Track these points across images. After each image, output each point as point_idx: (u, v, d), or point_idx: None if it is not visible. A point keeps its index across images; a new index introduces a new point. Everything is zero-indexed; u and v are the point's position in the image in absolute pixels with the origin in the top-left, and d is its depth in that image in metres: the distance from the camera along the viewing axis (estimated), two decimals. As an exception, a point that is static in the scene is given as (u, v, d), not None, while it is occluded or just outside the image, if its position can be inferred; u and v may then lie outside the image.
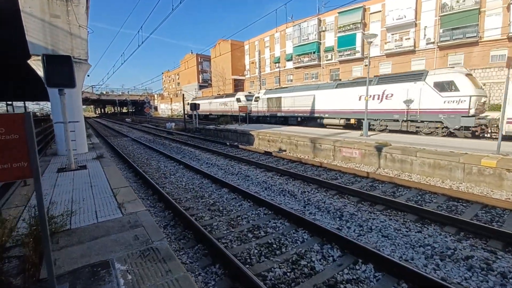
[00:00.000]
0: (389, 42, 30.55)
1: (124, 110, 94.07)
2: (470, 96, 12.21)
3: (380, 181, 7.76)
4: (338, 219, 5.29)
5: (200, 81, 64.15)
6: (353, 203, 6.14)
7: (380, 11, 30.96)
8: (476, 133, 12.50)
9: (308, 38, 36.58)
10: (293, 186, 7.35)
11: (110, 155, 12.93)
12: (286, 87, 26.18)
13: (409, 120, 14.69)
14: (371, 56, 32.20)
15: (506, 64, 7.01)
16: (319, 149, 11.21)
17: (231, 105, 31.87)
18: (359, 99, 16.83)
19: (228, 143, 15.64)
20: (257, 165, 10.02)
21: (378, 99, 16.06)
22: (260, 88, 38.33)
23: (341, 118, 18.35)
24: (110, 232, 3.29)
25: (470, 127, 12.35)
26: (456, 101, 12.74)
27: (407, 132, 14.75)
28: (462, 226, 4.78)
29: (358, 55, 32.61)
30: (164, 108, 76.38)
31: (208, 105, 36.86)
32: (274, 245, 4.39)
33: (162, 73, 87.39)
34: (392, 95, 15.40)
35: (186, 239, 4.69)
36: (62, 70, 6.24)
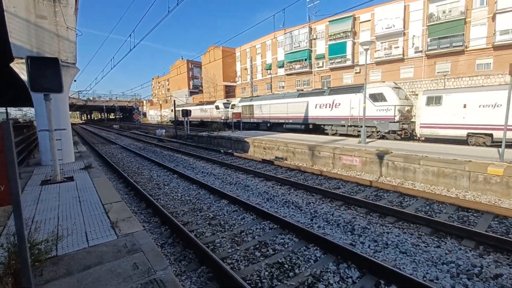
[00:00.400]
0: (379, 50, 31.15)
1: (112, 116, 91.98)
2: (395, 106, 14.88)
3: (384, 190, 7.53)
4: (349, 233, 4.97)
5: (191, 87, 63.54)
6: (361, 214, 5.84)
7: (370, 20, 31.62)
8: (402, 136, 15.22)
9: (299, 46, 36.90)
10: (296, 197, 7.00)
11: (98, 163, 12.24)
12: (258, 96, 29.17)
13: (352, 125, 17.13)
14: (361, 64, 32.75)
15: (509, 72, 7.00)
16: (317, 156, 10.95)
17: (210, 111, 34.62)
18: (315, 107, 19.57)
19: (222, 151, 15.20)
20: (256, 174, 9.64)
21: (329, 107, 18.68)
22: (252, 95, 38.17)
23: (301, 124, 20.59)
24: (104, 260, 2.82)
25: (396, 131, 14.87)
26: (385, 110, 15.40)
27: (351, 135, 16.99)
28: (480, 240, 4.54)
29: (349, 62, 33.06)
30: (153, 115, 75.04)
31: (194, 112, 37.63)
32: (286, 265, 4.00)
33: (152, 79, 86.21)
34: (340, 104, 17.92)
35: (187, 260, 4.23)
36: (48, 73, 5.73)
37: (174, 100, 27.66)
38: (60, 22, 8.46)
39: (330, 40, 34.11)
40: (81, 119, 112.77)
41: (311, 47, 36.40)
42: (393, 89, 15.66)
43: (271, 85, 42.49)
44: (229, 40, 46.36)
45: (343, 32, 32.95)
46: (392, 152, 9.02)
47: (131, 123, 57.61)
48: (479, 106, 12.46)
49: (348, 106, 17.29)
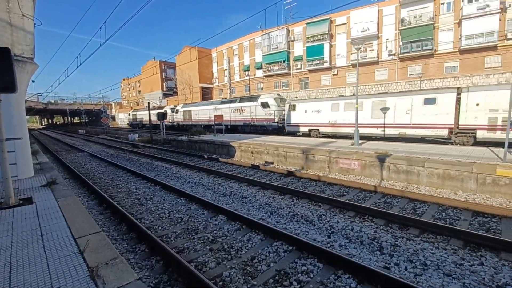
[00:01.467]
0: (355, 53, 31.79)
1: (77, 120, 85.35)
2: (274, 111, 21.89)
3: (391, 195, 7.07)
4: (378, 252, 4.31)
5: (165, 89, 60.78)
6: (381, 227, 5.25)
7: (346, 23, 32.22)
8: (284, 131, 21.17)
9: (277, 47, 36.66)
10: (303, 208, 6.26)
11: (64, 176, 10.60)
12: (195, 103, 35.10)
13: (252, 125, 23.85)
14: (339, 66, 33.28)
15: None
16: (312, 160, 10.36)
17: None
18: (231, 112, 26.19)
19: (206, 156, 14.11)
20: (250, 182, 8.77)
21: (239, 112, 25.44)
22: (231, 97, 37.15)
23: (225, 125, 24.70)
24: None
25: (276, 128, 21.78)
26: (269, 114, 22.23)
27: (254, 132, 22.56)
28: (520, 252, 4.12)
29: (326, 64, 33.41)
30: (123, 118, 70.66)
31: (142, 116, 44.78)
32: (321, 304, 3.21)
33: (122, 80, 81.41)
34: (245, 110, 24.69)
35: (193, 306, 3.28)
36: (-5, 67, 4.43)
37: (149, 103, 25.84)
38: (13, 8, 6.97)
39: (308, 42, 34.26)
40: (41, 124, 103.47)
41: (289, 49, 36.32)
42: (275, 99, 22.85)
43: (249, 86, 41.79)
44: (205, 40, 44.97)
45: (320, 34, 33.25)
46: (391, 155, 8.67)
47: (99, 128, 53.58)
48: (312, 112, 19.01)
49: (249, 111, 24.09)
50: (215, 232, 5.29)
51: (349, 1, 20.90)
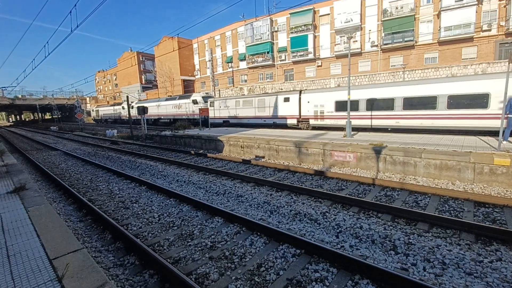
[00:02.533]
0: (339, 44, 31.81)
1: (48, 116, 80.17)
2: (199, 108, 24.11)
3: (390, 188, 6.91)
4: (393, 252, 4.04)
5: (143, 82, 58.14)
6: (389, 223, 5.01)
7: (329, 14, 32.01)
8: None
9: (261, 38, 35.88)
10: (304, 206, 5.91)
11: (35, 179, 9.60)
12: (148, 100, 42.09)
13: (187, 119, 27.91)
14: (323, 57, 33.18)
15: (509, 60, 6.85)
16: (305, 154, 10.06)
17: (120, 111, 44.17)
18: (172, 108, 31.42)
19: (193, 152, 13.43)
20: (243, 179, 8.32)
21: (178, 107, 30.56)
22: (214, 89, 36.12)
23: (168, 119, 31.97)
24: None
25: (204, 121, 24.06)
26: (197, 109, 25.79)
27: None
28: (534, 244, 4.02)
29: (311, 56, 33.19)
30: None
31: (108, 111, 49.85)
32: (344, 318, 2.86)
33: (97, 73, 77.01)
34: (181, 106, 29.78)
35: (199, 330, 2.81)
36: None
37: (127, 96, 24.41)
38: (-40, -16, 5.89)
39: (292, 33, 33.76)
40: (8, 121, 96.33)
41: (273, 40, 35.67)
42: (203, 97, 28.43)
43: (233, 78, 40.83)
44: (186, 30, 42.78)
45: (304, 25, 32.85)
46: (386, 146, 8.52)
47: (74, 124, 50.55)
48: (223, 107, 25.05)
49: (185, 107, 29.28)
50: (213, 236, 4.81)
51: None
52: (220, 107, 25.52)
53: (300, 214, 5.47)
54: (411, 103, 13.66)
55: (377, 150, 8.23)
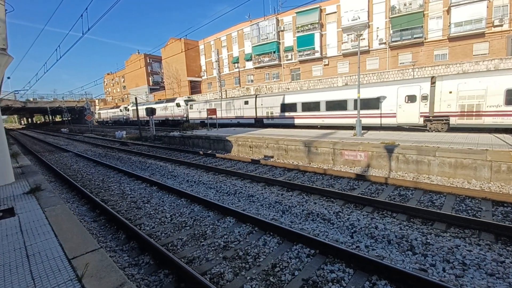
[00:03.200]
0: (346, 42, 31.49)
1: (58, 119, 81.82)
2: (183, 109, 31.60)
3: (403, 187, 6.78)
4: (410, 253, 3.95)
5: (151, 84, 58.74)
6: (405, 223, 4.91)
7: (336, 12, 31.73)
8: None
9: (267, 38, 35.80)
10: (316, 205, 5.85)
11: (49, 179, 9.79)
12: (145, 103, 43.01)
13: (171, 120, 33.88)
14: (330, 56, 32.90)
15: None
16: (315, 153, 9.97)
17: (118, 113, 49.78)
18: (161, 110, 34.81)
19: (201, 152, 13.48)
20: (253, 179, 8.30)
21: (165, 110, 34.89)
22: (220, 90, 36.23)
23: (159, 120, 35.91)
24: None
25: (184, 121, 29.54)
26: (181, 111, 32.12)
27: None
28: (559, 245, 3.88)
29: (317, 55, 32.95)
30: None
31: (106, 114, 56.03)
32: (364, 320, 2.80)
33: (105, 75, 78.20)
34: (168, 108, 34.37)
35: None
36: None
37: (136, 98, 24.70)
38: (-23, -10, 6.07)
39: (298, 32, 33.58)
40: (20, 124, 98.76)
41: (279, 39, 35.55)
42: (185, 101, 32.48)
43: (239, 79, 40.88)
44: (191, 32, 43.17)
45: (311, 24, 32.64)
46: (399, 145, 8.37)
47: (83, 125, 51.45)
48: (200, 110, 28.81)
49: (171, 110, 33.85)
50: (225, 236, 4.80)
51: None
52: (198, 109, 29.59)
53: (312, 214, 5.41)
54: (331, 106, 17.39)
55: (389, 149, 8.10)
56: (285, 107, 20.15)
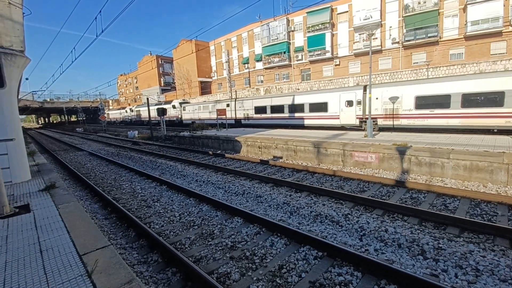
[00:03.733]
0: (357, 42, 31.04)
1: (74, 118, 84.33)
2: (178, 111, 35.46)
3: (416, 190, 6.62)
4: (421, 257, 3.84)
5: (162, 84, 59.72)
6: (416, 226, 4.79)
7: (347, 11, 31.33)
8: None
9: (277, 38, 35.73)
10: (324, 207, 5.79)
11: (63, 177, 10.09)
12: (140, 104, 50.40)
13: (169, 120, 35.00)
14: (341, 56, 32.51)
15: None
16: (324, 154, 9.87)
17: (124, 113, 54.94)
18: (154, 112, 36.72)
19: (211, 152, 13.59)
20: (261, 179, 8.30)
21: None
22: (230, 90, 36.42)
23: (157, 121, 34.52)
24: None
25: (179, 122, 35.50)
26: (176, 112, 36.18)
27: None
28: None
29: (328, 55, 32.62)
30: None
31: (115, 114, 60.61)
32: (371, 325, 2.75)
33: (118, 76, 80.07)
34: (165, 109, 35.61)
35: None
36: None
37: (148, 98, 25.16)
38: (-2, -5, 6.32)
39: (309, 32, 33.36)
40: (38, 123, 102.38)
41: (290, 40, 35.41)
42: (180, 103, 35.61)
43: (249, 79, 40.97)
44: (201, 33, 43.69)
45: (321, 23, 32.35)
46: (411, 146, 8.18)
47: (97, 125, 52.83)
48: (192, 111, 32.36)
49: (168, 111, 34.11)
50: (233, 236, 4.81)
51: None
52: (189, 110, 33.08)
53: (321, 216, 5.35)
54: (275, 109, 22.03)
55: (401, 151, 7.92)
56: (257, 109, 24.06)
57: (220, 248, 4.47)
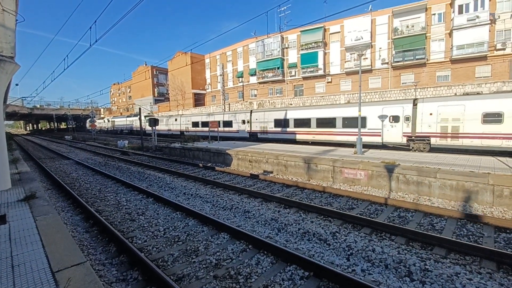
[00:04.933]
0: (349, 61, 32.02)
1: (63, 126, 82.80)
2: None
3: (404, 209, 6.64)
4: (408, 279, 3.79)
5: (156, 95, 59.66)
6: (403, 246, 4.76)
7: (339, 32, 32.49)
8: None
9: (272, 54, 36.56)
10: (313, 224, 5.72)
11: (46, 187, 9.75)
12: (118, 116, 59.76)
13: (136, 130, 42.28)
14: (333, 74, 33.38)
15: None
16: (314, 170, 9.88)
17: (103, 124, 59.88)
18: (129, 122, 46.53)
19: (201, 164, 13.44)
20: (251, 194, 8.20)
21: (132, 122, 45.08)
22: (224, 103, 36.66)
23: (128, 130, 46.68)
24: None
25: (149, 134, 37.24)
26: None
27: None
28: None
29: (321, 72, 33.46)
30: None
31: (101, 124, 60.97)
32: None
33: (112, 85, 79.71)
34: (133, 121, 43.33)
35: None
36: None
37: (140, 108, 25.00)
38: (-9, 1, 6.30)
39: (302, 49, 34.31)
40: (26, 130, 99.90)
41: (284, 56, 36.27)
42: (145, 116, 32.98)
43: (243, 93, 41.40)
44: (199, 46, 44.30)
45: (315, 42, 33.38)
46: (399, 164, 8.28)
47: (87, 134, 51.91)
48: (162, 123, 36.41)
49: (136, 123, 41.20)
50: (218, 254, 4.67)
51: (343, 9, 21.12)
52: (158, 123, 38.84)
53: (308, 233, 5.27)
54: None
55: (390, 169, 8.00)
56: (199, 124, 29.75)
57: (204, 266, 4.32)
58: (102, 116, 74.65)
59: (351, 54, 32.09)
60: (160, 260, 4.53)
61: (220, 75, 38.87)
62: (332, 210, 6.34)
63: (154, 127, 22.64)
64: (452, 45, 26.12)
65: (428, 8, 27.50)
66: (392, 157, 10.01)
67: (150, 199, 8.06)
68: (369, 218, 5.76)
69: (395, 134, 14.88)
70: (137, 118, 38.69)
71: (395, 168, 7.91)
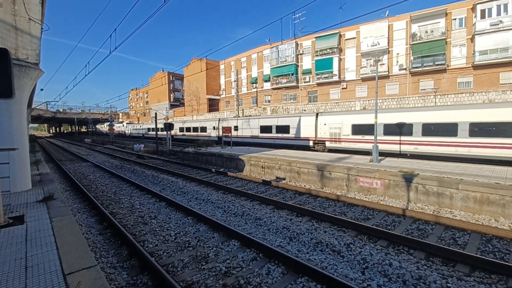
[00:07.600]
0: (365, 66, 31.51)
1: (84, 129, 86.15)
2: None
3: (423, 221, 6.31)
4: (428, 297, 3.56)
5: (172, 100, 61.09)
6: (423, 261, 4.49)
7: (355, 37, 32.12)
8: None
9: (286, 60, 36.62)
10: (326, 234, 5.53)
11: (64, 188, 10.07)
12: (128, 122, 67.05)
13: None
14: (348, 80, 32.91)
15: None
16: (328, 178, 9.66)
17: (122, 128, 63.03)
18: (131, 129, 57.11)
19: (213, 170, 13.49)
20: (262, 201, 8.09)
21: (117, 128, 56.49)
22: (238, 109, 36.94)
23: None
24: None
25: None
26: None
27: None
28: None
29: (335, 78, 33.09)
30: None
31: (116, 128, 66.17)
32: None
33: (130, 91, 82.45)
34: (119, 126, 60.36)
35: None
36: (-11, 70, 4.02)
37: (156, 113, 25.60)
38: (19, 11, 6.66)
39: (317, 55, 34.14)
40: (49, 132, 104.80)
41: (298, 62, 36.22)
42: (126, 123, 59.79)
43: (256, 99, 41.60)
44: (212, 53, 45.40)
45: (329, 48, 33.14)
46: (418, 174, 7.94)
47: (105, 137, 53.74)
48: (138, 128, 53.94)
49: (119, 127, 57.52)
50: (228, 261, 4.59)
51: (358, 15, 20.90)
52: (134, 127, 47.95)
53: (321, 244, 5.10)
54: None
55: (408, 178, 7.68)
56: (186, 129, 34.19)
57: (213, 273, 4.25)
58: (120, 120, 77.19)
59: (367, 59, 31.57)
60: (170, 265, 4.51)
61: (234, 81, 39.27)
62: (347, 220, 6.13)
63: (168, 132, 23.08)
64: (474, 51, 25.15)
65: (448, 13, 26.71)
66: (410, 166, 9.63)
67: (162, 203, 8.13)
68: (386, 230, 5.51)
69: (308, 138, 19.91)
70: (121, 124, 42.63)
71: (414, 178, 7.58)
